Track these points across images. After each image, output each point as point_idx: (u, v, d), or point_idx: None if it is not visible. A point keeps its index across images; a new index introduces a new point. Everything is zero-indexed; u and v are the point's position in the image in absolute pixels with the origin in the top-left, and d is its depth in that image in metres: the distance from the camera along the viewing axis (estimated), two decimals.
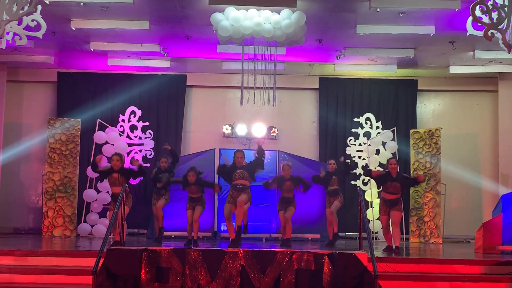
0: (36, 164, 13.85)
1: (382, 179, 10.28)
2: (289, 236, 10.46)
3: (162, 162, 11.11)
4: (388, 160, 10.44)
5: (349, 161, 11.64)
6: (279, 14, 9.75)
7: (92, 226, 12.58)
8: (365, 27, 10.75)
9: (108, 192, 12.60)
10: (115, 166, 9.92)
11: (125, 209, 9.67)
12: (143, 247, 7.37)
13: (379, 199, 10.74)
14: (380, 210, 10.30)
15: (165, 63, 13.12)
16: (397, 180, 10.05)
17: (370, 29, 10.76)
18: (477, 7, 7.22)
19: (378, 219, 11.75)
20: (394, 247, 9.85)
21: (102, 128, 12.98)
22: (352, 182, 13.00)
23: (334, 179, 10.98)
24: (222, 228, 12.11)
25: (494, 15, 7.13)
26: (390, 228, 10.14)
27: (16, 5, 7.91)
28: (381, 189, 10.57)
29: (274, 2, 9.64)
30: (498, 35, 7.10)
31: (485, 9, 7.09)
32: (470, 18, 7.82)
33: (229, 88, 14.08)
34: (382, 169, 11.61)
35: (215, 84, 14.20)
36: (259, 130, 13.77)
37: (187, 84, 14.15)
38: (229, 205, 9.77)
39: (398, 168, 10.27)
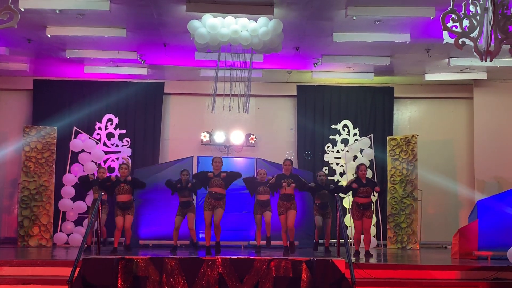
0: (11, 172, 13.66)
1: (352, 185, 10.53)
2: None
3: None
4: (358, 166, 10.65)
5: (313, 184, 10.96)
6: (256, 21, 9.77)
7: (68, 235, 12.44)
8: (342, 35, 10.83)
9: (83, 200, 12.51)
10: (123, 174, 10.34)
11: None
12: (120, 256, 7.31)
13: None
14: (353, 215, 10.52)
15: (142, 71, 13.06)
16: (368, 185, 10.42)
17: (346, 37, 10.84)
18: (450, 16, 7.29)
19: None
20: (366, 252, 10.29)
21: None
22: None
23: (325, 193, 10.90)
24: (200, 236, 12.03)
25: (466, 23, 7.19)
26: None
27: None
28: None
29: (251, 10, 9.66)
30: (470, 43, 7.17)
31: (456, 18, 7.16)
32: None
33: (207, 96, 13.85)
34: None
35: (193, 91, 14.16)
36: (237, 137, 13.80)
37: (165, 91, 14.10)
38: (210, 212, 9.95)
39: (373, 174, 10.48)
